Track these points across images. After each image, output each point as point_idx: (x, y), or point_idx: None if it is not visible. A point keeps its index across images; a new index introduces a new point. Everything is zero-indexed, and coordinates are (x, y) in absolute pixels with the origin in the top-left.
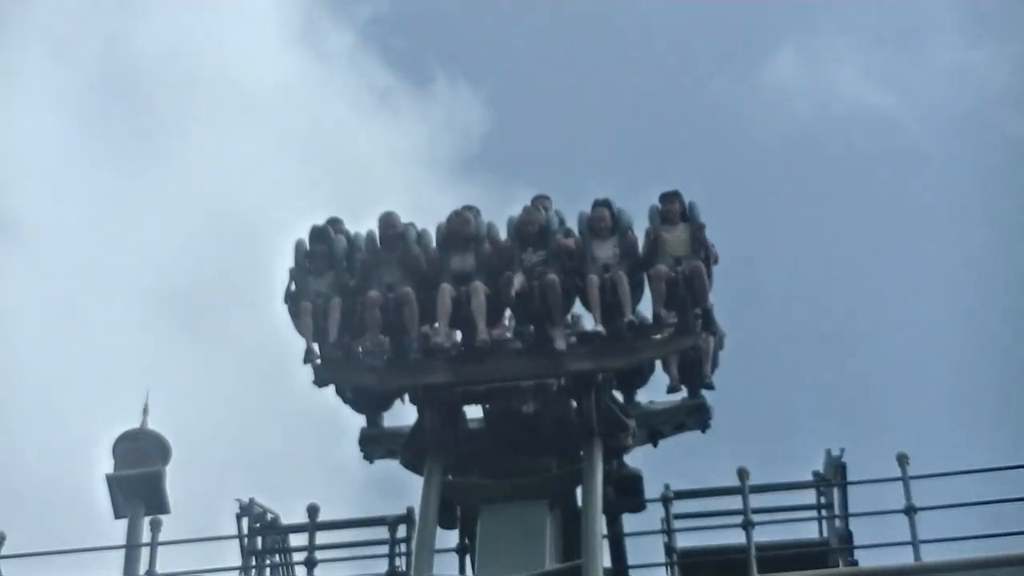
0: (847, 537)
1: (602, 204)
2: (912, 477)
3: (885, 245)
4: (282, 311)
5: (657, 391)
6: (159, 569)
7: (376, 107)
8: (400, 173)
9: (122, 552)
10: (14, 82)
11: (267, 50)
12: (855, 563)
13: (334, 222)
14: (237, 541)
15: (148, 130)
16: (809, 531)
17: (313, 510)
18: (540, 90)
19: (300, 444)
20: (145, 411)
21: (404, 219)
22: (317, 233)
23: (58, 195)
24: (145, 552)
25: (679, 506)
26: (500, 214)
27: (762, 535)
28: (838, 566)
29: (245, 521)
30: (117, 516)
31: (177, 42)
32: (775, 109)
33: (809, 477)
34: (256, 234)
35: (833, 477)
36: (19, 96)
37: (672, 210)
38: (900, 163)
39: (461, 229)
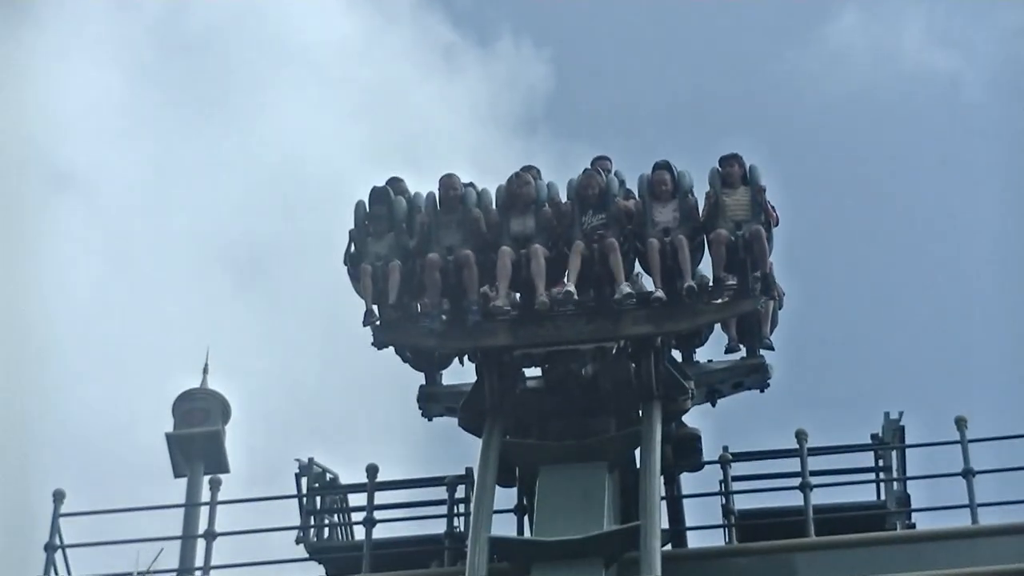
0: (905, 500)
1: (663, 167)
2: (970, 441)
3: (944, 206)
4: (343, 271)
5: (716, 350)
6: (218, 528)
7: (439, 65)
8: (463, 131)
9: (182, 511)
10: (76, 32)
11: (329, 8)
12: (912, 526)
13: (395, 182)
14: (296, 501)
15: (210, 86)
16: (867, 494)
17: (372, 470)
18: (603, 51)
19: (361, 403)
20: (205, 370)
21: (464, 180)
22: (377, 195)
23: (117, 148)
24: (204, 511)
25: (737, 468)
26: (562, 174)
27: (820, 497)
28: (895, 529)
29: (304, 481)
30: (177, 475)
31: (238, 1)
32: (838, 69)
33: (867, 440)
34: (319, 192)
35: (891, 440)
36: (80, 48)
37: (732, 173)
38: (963, 123)
39: (521, 191)
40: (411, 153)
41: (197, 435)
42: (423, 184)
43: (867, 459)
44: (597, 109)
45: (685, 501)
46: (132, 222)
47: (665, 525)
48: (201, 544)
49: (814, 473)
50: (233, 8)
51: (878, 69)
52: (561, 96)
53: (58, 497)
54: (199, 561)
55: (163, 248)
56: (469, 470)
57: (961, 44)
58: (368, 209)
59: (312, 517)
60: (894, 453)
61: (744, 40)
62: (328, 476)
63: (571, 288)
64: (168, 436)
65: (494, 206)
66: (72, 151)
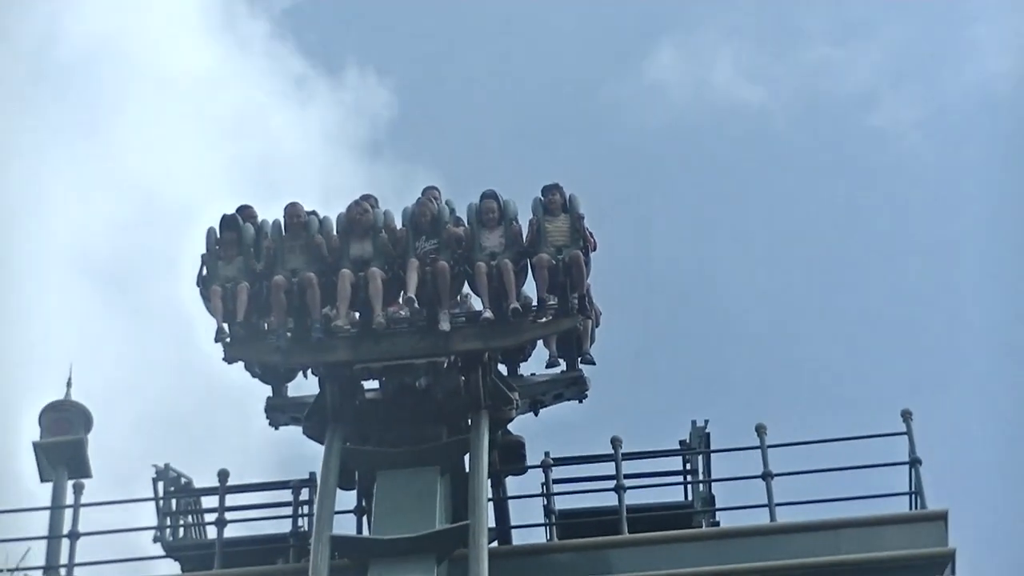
0: (710, 500)
1: (490, 196)
2: (769, 446)
3: (752, 227)
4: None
5: (538, 365)
6: (81, 529)
7: (292, 93)
8: (314, 155)
9: (47, 514)
10: None
11: (189, 40)
12: (717, 524)
13: (244, 209)
14: (153, 503)
15: (78, 112)
16: (675, 495)
17: (223, 475)
18: (442, 81)
19: (212, 413)
20: (69, 383)
21: (308, 208)
22: (227, 222)
23: None
24: (68, 514)
25: (558, 471)
26: (404, 196)
27: (633, 498)
28: (701, 527)
29: (161, 484)
30: (43, 480)
31: (106, 34)
32: (654, 101)
33: (676, 446)
34: (179, 212)
35: (698, 445)
36: None
37: (554, 201)
38: (769, 153)
39: (360, 218)
40: (265, 175)
41: (62, 443)
42: (277, 206)
43: (676, 463)
44: (435, 134)
45: (510, 502)
46: (2, 240)
47: (492, 524)
48: (66, 544)
49: (627, 476)
50: (101, 39)
51: (692, 102)
52: (403, 122)
53: None
54: (64, 559)
55: (29, 265)
56: (312, 474)
57: (767, 79)
58: (219, 235)
59: (168, 518)
60: (700, 458)
61: (572, 74)
62: (183, 480)
63: (412, 295)
64: (35, 444)
65: (335, 232)
66: None
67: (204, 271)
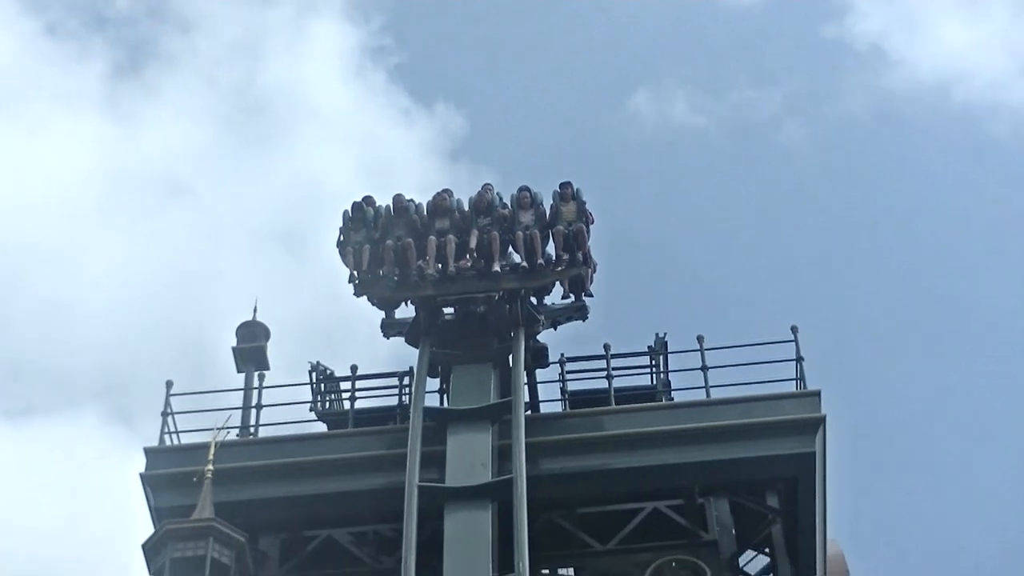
0: (667, 384)
1: (524, 189)
2: (707, 349)
3: (699, 201)
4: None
5: (556, 297)
6: (264, 403)
7: (400, 120)
8: (413, 161)
9: (241, 393)
10: (172, 97)
11: (336, 85)
12: (672, 399)
13: (367, 198)
14: (309, 386)
15: (268, 133)
16: (644, 381)
17: (353, 368)
18: (498, 112)
19: (349, 328)
20: (255, 310)
21: (408, 196)
22: (356, 206)
23: (206, 172)
24: (254, 394)
25: (569, 366)
26: (469, 191)
27: (617, 384)
28: (661, 401)
29: (314, 374)
30: (239, 372)
31: (282, 80)
32: (634, 125)
33: (646, 348)
34: (330, 197)
35: (660, 349)
36: (173, 107)
37: (566, 193)
38: (706, 159)
39: (441, 204)
40: (382, 174)
41: (250, 348)
42: (388, 195)
43: (645, 360)
44: (492, 147)
45: (538, 386)
46: (222, 215)
47: (527, 399)
48: (253, 412)
49: (614, 369)
50: (280, 83)
51: (658, 127)
52: (472, 139)
53: (168, 385)
54: (252, 422)
55: (237, 233)
56: (411, 367)
57: (707, 111)
58: (351, 214)
59: (319, 395)
60: (661, 357)
61: (577, 106)
62: (328, 370)
63: (474, 254)
64: (233, 348)
65: (425, 212)
66: (183, 172)
67: (341, 237)
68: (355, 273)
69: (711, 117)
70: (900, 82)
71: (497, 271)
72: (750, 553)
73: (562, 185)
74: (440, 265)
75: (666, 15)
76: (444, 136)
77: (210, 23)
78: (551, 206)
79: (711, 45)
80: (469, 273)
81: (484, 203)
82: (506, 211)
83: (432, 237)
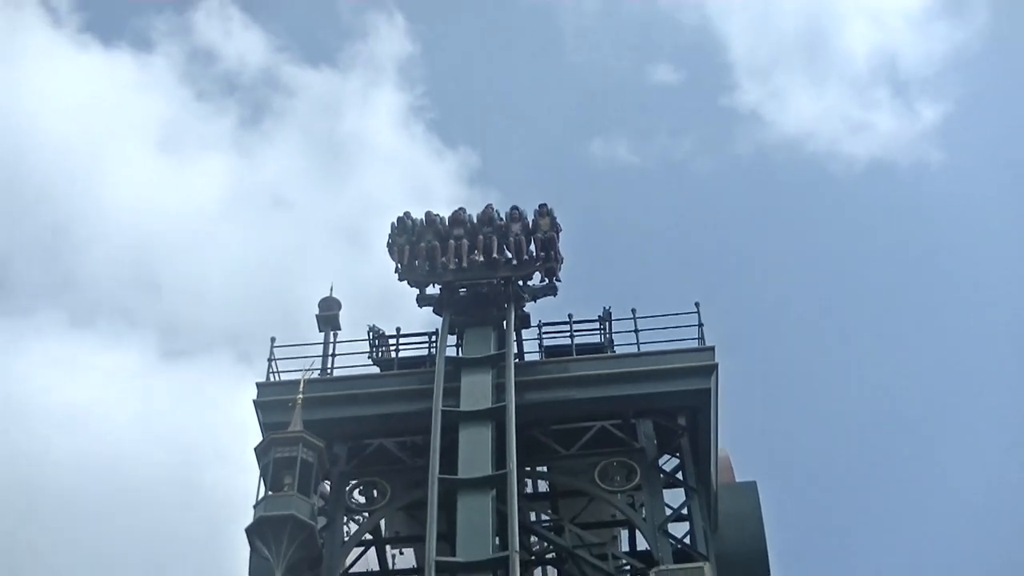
0: (610, 341)
1: (515, 207)
2: (639, 317)
3: (649, 193)
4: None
5: (536, 281)
6: (338, 351)
7: (434, 156)
8: (440, 187)
9: (321, 346)
10: (279, 141)
11: (388, 132)
12: (615, 352)
13: (406, 213)
14: (367, 342)
15: (340, 168)
16: (595, 338)
17: (398, 329)
18: (500, 153)
19: (393, 303)
20: (331, 289)
21: (436, 211)
22: (399, 219)
23: (300, 191)
24: (330, 347)
25: (545, 328)
26: (477, 207)
27: (578, 340)
28: (607, 353)
29: (371, 333)
30: (320, 331)
31: (352, 127)
32: (613, 155)
33: (595, 317)
34: (381, 214)
35: (607, 317)
36: (280, 148)
37: (543, 210)
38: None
39: (458, 217)
40: (420, 197)
41: (327, 315)
42: (422, 210)
43: (596, 325)
44: (498, 177)
45: (524, 342)
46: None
47: (515, 351)
48: (329, 360)
49: (576, 331)
50: (350, 131)
51: (635, 156)
52: (484, 170)
53: (272, 340)
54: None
55: (315, 233)
56: (437, 329)
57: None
58: (395, 224)
59: (373, 348)
60: (608, 323)
61: (565, 145)
62: (381, 330)
63: (480, 253)
64: (316, 316)
65: (447, 223)
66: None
67: (390, 240)
68: (399, 265)
69: (644, 156)
70: (770, 135)
71: (496, 264)
72: (666, 457)
73: (540, 205)
74: (457, 260)
75: (614, 86)
76: (464, 168)
77: (306, 91)
78: (532, 220)
79: (644, 105)
80: (477, 265)
81: (487, 217)
82: (502, 223)
83: (451, 241)
